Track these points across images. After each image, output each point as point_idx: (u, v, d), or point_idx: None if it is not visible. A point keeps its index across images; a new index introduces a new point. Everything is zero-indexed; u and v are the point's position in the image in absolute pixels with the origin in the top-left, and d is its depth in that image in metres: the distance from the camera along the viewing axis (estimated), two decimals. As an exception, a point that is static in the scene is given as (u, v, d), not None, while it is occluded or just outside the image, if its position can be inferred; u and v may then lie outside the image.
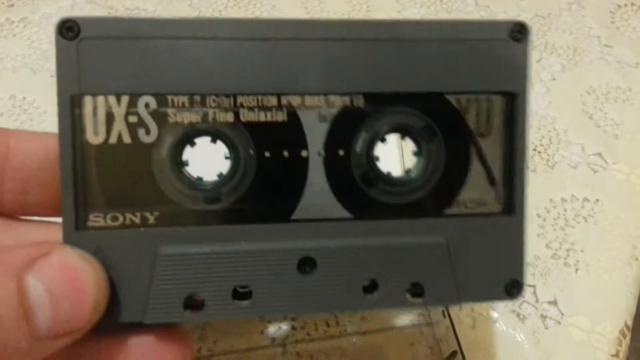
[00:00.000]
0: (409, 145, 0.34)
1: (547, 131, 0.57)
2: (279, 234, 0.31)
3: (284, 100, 0.31)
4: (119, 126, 0.30)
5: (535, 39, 0.66)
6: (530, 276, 0.48)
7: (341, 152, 0.32)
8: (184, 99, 0.30)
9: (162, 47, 0.29)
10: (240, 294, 0.31)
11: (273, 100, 0.31)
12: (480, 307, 0.46)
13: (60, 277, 0.26)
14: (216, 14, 0.66)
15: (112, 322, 0.30)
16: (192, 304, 0.30)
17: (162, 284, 0.30)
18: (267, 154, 0.31)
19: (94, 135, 0.30)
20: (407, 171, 0.34)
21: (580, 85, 0.61)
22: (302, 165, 0.31)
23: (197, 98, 0.30)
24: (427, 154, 0.33)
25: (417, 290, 0.32)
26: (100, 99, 0.30)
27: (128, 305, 0.30)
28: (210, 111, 0.30)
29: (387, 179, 0.33)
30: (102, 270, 0.28)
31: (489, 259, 0.32)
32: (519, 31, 0.32)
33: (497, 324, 0.45)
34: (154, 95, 0.30)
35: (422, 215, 0.33)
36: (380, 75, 0.31)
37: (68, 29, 0.29)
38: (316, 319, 0.44)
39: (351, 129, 0.32)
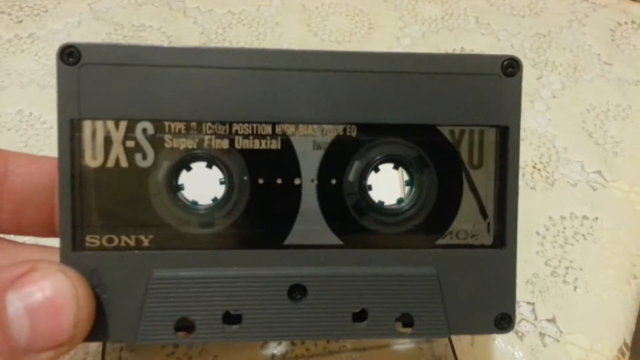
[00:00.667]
0: (401, 175, 0.34)
1: (547, 149, 0.58)
2: (271, 260, 0.32)
3: (278, 129, 0.31)
4: (117, 150, 0.31)
5: (536, 56, 0.66)
6: (529, 294, 0.48)
7: (334, 181, 0.32)
8: (181, 126, 0.31)
9: (161, 74, 0.30)
10: (231, 318, 0.31)
11: (268, 129, 0.31)
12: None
13: (39, 293, 0.27)
14: (220, 31, 0.66)
15: (102, 340, 0.31)
16: (184, 326, 0.31)
17: (154, 306, 0.30)
18: (260, 181, 0.32)
19: (92, 159, 0.31)
20: (399, 201, 0.34)
21: (580, 103, 0.61)
22: (295, 192, 0.32)
23: (194, 125, 0.31)
24: (418, 184, 0.33)
25: (406, 321, 0.32)
26: (99, 123, 0.30)
27: (120, 325, 0.30)
28: (206, 138, 0.31)
29: (378, 208, 0.33)
30: (86, 288, 0.29)
31: (479, 291, 0.33)
32: (511, 66, 0.32)
33: (496, 342, 0.45)
34: (151, 121, 0.31)
35: (414, 245, 0.33)
36: (374, 106, 0.32)
37: (69, 55, 0.30)
38: (316, 334, 0.45)
39: (344, 158, 0.32)
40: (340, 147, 0.32)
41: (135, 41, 0.64)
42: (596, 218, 0.53)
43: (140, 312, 0.30)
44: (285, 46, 0.65)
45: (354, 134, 0.32)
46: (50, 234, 0.35)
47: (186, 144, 0.31)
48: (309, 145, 0.32)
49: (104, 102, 0.30)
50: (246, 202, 0.32)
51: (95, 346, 0.43)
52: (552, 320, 0.46)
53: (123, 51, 0.30)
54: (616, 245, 0.51)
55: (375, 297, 0.32)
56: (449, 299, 0.32)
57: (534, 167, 0.56)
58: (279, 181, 0.32)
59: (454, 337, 0.43)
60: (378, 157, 0.33)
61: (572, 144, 0.58)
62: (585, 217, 0.53)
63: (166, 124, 0.31)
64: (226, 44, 0.65)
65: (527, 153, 0.57)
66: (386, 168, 0.34)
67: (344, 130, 0.32)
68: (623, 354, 0.45)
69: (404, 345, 0.45)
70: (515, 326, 0.46)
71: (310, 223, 0.32)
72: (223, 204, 0.32)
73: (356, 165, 0.33)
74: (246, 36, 0.66)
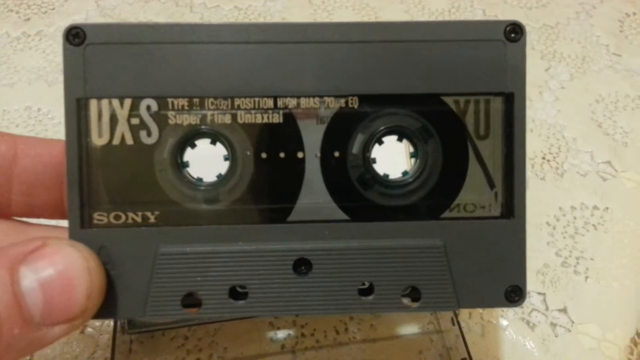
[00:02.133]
0: (406, 147, 0.33)
1: (556, 139, 0.57)
2: (276, 235, 0.31)
3: (280, 102, 0.31)
4: (122, 128, 0.31)
5: (544, 47, 0.66)
6: (540, 284, 0.47)
7: (337, 154, 0.32)
8: (184, 102, 0.31)
9: (163, 51, 0.31)
10: (237, 294, 0.31)
11: (269, 102, 0.31)
12: (489, 315, 0.46)
13: (51, 267, 0.27)
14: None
15: (112, 316, 0.31)
16: (190, 302, 0.31)
17: (161, 282, 0.31)
18: (263, 155, 0.32)
19: (98, 137, 0.31)
20: (404, 173, 0.34)
21: (589, 94, 0.61)
22: (299, 166, 0.32)
23: (196, 101, 0.31)
24: (423, 155, 0.33)
25: (413, 294, 0.32)
26: (105, 102, 0.31)
27: (129, 300, 0.31)
28: (209, 113, 0.31)
29: (383, 180, 0.33)
30: (97, 261, 0.29)
31: (488, 263, 0.32)
32: (514, 31, 0.32)
33: (507, 332, 0.45)
34: (155, 98, 0.31)
35: (420, 217, 0.32)
36: (375, 77, 0.31)
37: (74, 36, 0.31)
38: (325, 326, 0.45)
39: (347, 131, 0.32)
40: (343, 119, 0.32)
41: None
42: (606, 208, 0.52)
43: (148, 288, 0.30)
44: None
45: (356, 106, 0.32)
46: (61, 215, 0.35)
47: (189, 120, 0.31)
48: (312, 118, 0.32)
49: (109, 80, 0.30)
50: (250, 178, 0.32)
51: (105, 339, 0.43)
52: (563, 311, 0.46)
53: (126, 30, 0.31)
54: (627, 235, 0.51)
55: (381, 270, 0.31)
56: (457, 272, 0.32)
57: (544, 158, 0.56)
58: (282, 155, 0.32)
59: (464, 328, 0.43)
60: (381, 129, 0.32)
61: (581, 134, 0.58)
62: (595, 208, 0.52)
63: (169, 100, 0.31)
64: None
65: (537, 144, 0.57)
66: (393, 140, 0.33)
67: (346, 102, 0.32)
68: (635, 344, 0.45)
69: (414, 336, 0.44)
70: (527, 316, 0.46)
71: (314, 197, 0.32)
72: (227, 179, 0.32)
73: (359, 138, 0.32)
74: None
